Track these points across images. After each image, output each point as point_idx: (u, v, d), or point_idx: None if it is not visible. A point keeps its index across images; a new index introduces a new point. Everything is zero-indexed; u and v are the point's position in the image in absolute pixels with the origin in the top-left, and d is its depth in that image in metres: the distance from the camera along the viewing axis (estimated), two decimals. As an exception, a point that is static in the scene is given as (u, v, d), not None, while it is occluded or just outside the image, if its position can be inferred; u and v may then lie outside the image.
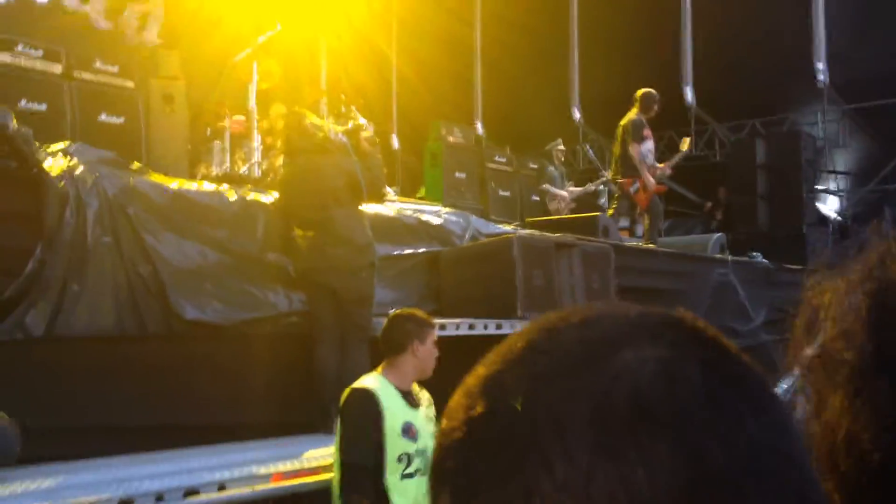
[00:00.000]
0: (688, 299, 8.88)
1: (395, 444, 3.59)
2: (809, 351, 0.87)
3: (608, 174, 10.43)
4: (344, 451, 3.66)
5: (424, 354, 3.77)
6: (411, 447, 3.62)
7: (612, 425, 0.54)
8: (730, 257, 9.70)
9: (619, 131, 9.68)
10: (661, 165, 9.82)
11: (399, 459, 3.60)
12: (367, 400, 3.63)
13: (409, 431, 3.64)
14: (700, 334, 0.62)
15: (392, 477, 3.59)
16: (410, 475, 3.62)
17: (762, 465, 0.55)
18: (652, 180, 9.50)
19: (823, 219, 13.13)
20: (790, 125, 13.73)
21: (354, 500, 3.59)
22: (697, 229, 13.31)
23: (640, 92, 9.68)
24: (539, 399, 0.56)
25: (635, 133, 9.37)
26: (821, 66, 12.68)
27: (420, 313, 3.98)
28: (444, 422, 0.61)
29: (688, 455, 0.53)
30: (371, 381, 3.73)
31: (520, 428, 0.56)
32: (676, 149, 13.61)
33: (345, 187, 5.52)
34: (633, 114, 9.59)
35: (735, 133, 13.96)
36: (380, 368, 3.81)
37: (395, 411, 3.64)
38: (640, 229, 10.07)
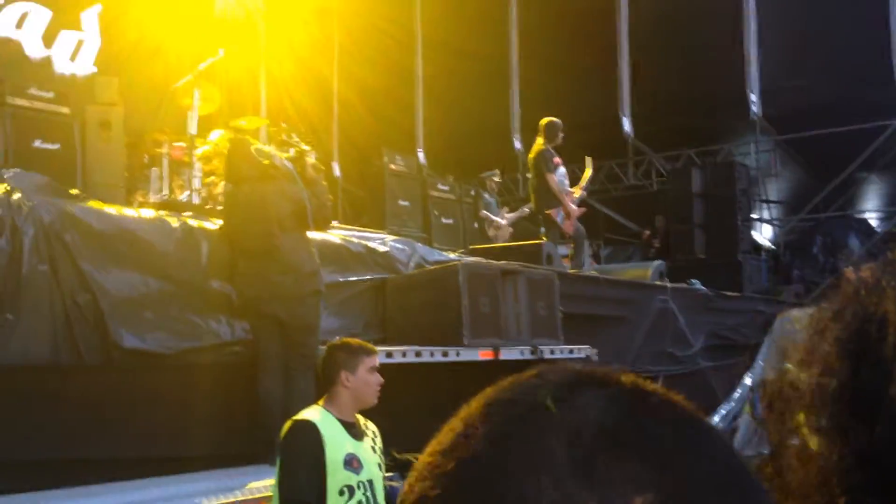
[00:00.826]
0: (629, 325, 8.99)
1: (336, 477, 3.52)
2: (778, 375, 0.90)
3: (530, 205, 10.48)
4: (283, 485, 3.57)
5: (356, 384, 3.68)
6: (353, 479, 3.56)
7: (596, 451, 0.59)
8: (669, 284, 9.85)
9: (531, 163, 9.77)
10: (574, 190, 9.90)
11: (341, 492, 3.53)
12: (308, 432, 3.55)
13: (351, 463, 3.57)
14: (637, 380, 0.67)
15: None
16: None
17: (724, 478, 0.61)
18: (573, 206, 9.60)
19: (758, 247, 13.44)
20: (725, 155, 14.06)
21: None
22: (636, 257, 13.52)
23: (544, 121, 9.76)
24: (516, 439, 0.61)
25: (546, 164, 9.47)
26: (754, 97, 13.03)
27: (354, 342, 3.90)
28: (414, 483, 0.64)
29: (670, 472, 0.59)
30: (312, 412, 3.66)
31: (503, 468, 0.60)
32: (616, 178, 13.83)
33: (291, 214, 5.45)
34: (539, 144, 9.68)
35: (672, 163, 14.24)
36: (321, 401, 3.74)
37: (336, 443, 3.57)
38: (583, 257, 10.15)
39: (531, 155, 9.72)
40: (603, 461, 0.59)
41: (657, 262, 10.65)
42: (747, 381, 9.68)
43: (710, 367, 9.82)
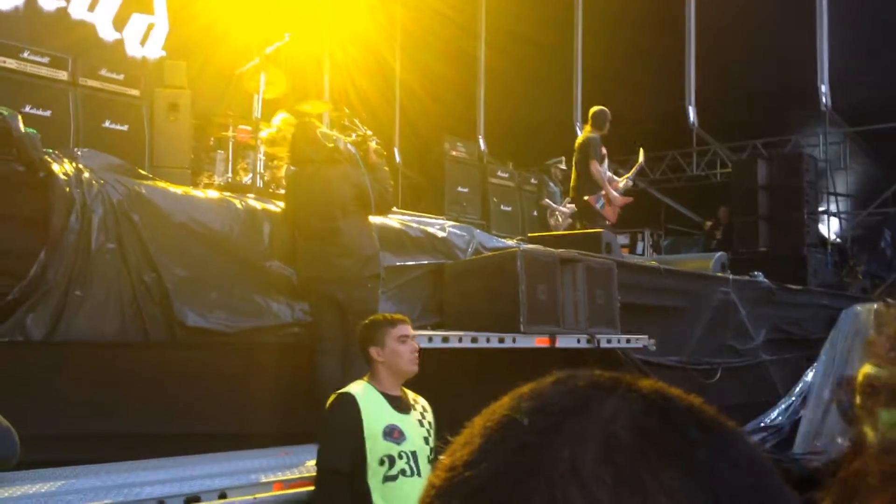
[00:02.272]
0: (689, 317, 8.88)
1: (375, 446, 3.60)
2: (860, 372, 0.88)
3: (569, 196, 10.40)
4: (320, 454, 3.71)
5: (387, 356, 3.76)
6: (395, 449, 3.62)
7: (624, 458, 0.58)
8: (731, 276, 9.69)
9: (576, 151, 9.68)
10: (620, 179, 9.81)
11: (381, 462, 3.60)
12: (346, 404, 3.65)
13: (392, 434, 3.64)
14: (660, 386, 0.66)
15: (373, 480, 3.59)
16: (393, 477, 3.61)
17: (754, 484, 0.60)
18: (616, 194, 9.53)
19: (824, 240, 13.15)
20: (792, 147, 13.77)
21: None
22: (698, 248, 13.32)
23: (593, 110, 9.68)
24: (545, 448, 0.59)
25: (594, 151, 9.38)
26: (824, 89, 12.72)
27: (381, 316, 3.99)
28: (432, 499, 0.63)
29: (699, 477, 0.58)
30: (355, 386, 3.76)
31: (533, 476, 0.59)
32: (679, 168, 13.65)
33: (353, 198, 5.51)
34: (588, 132, 9.60)
35: (737, 154, 13.99)
36: (366, 376, 3.82)
37: (376, 414, 3.65)
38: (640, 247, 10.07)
39: (579, 141, 9.65)
40: (634, 470, 0.58)
41: (719, 254, 10.48)
42: (810, 376, 9.49)
43: (771, 360, 9.65)
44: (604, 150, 9.53)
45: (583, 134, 9.66)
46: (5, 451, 3.83)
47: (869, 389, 0.87)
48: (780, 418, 9.10)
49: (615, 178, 9.80)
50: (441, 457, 0.65)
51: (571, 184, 9.82)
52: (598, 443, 0.59)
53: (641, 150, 10.00)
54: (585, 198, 9.50)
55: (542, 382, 0.66)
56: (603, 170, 9.50)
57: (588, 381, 0.65)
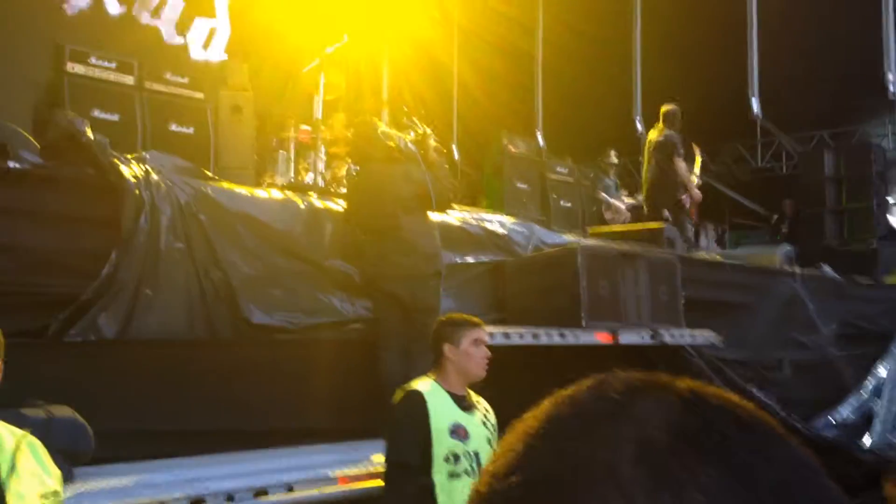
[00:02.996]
0: (755, 311, 8.73)
1: (441, 443, 3.62)
2: None
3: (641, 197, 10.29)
4: (388, 449, 3.74)
5: (458, 356, 3.77)
6: (460, 447, 3.64)
7: (660, 459, 0.58)
8: (798, 270, 9.50)
9: (653, 148, 9.57)
10: (692, 177, 9.73)
11: (446, 459, 3.62)
12: (414, 400, 3.69)
13: (457, 431, 3.66)
14: (697, 386, 0.65)
15: (439, 476, 3.62)
16: (457, 475, 3.63)
17: (798, 483, 0.59)
18: (698, 192, 9.48)
19: (894, 232, 12.79)
20: (860, 137, 13.43)
21: (391, 497, 3.66)
22: (763, 242, 13.07)
23: (665, 108, 9.58)
24: (581, 453, 0.60)
25: (677, 149, 9.30)
26: (891, 76, 12.37)
27: (458, 316, 4.00)
28: (493, 465, 0.64)
29: (738, 476, 0.57)
30: (422, 383, 3.79)
31: (571, 482, 0.59)
32: (743, 160, 13.41)
33: (413, 196, 5.55)
34: (661, 130, 9.49)
35: (802, 145, 13.70)
36: (432, 373, 3.84)
37: (443, 411, 3.68)
38: (703, 241, 9.95)
39: (653, 139, 9.55)
40: (671, 471, 0.58)
41: (786, 248, 10.28)
42: (881, 370, 9.26)
43: (840, 355, 9.44)
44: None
45: (655, 132, 9.56)
46: (81, 447, 3.95)
47: None
48: (850, 414, 8.90)
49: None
50: (485, 464, 0.66)
51: (647, 182, 9.72)
52: (634, 445, 0.59)
53: (695, 145, 9.90)
54: (682, 197, 9.40)
55: (579, 387, 0.67)
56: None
57: (623, 383, 0.65)
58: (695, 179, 9.65)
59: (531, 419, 0.66)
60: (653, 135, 9.63)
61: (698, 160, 9.82)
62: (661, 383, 0.65)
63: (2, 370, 2.22)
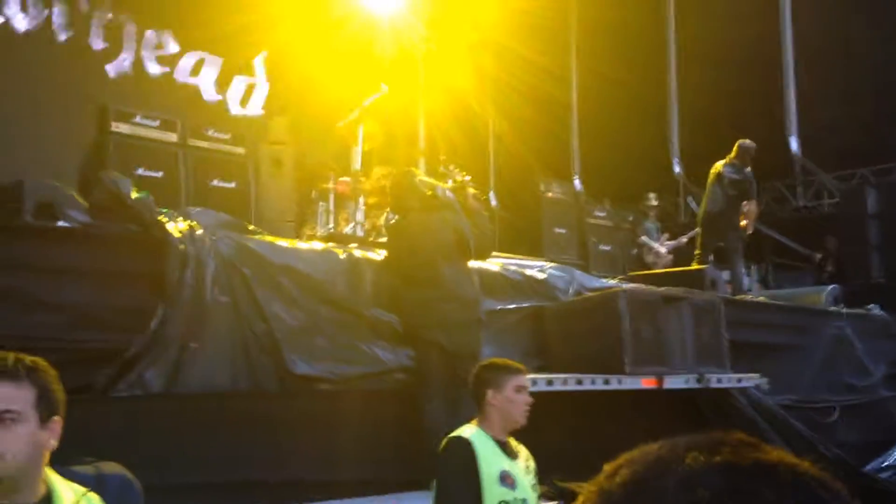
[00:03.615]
0: (802, 353, 8.58)
1: (492, 492, 3.57)
2: None
3: (697, 225, 10.29)
4: (439, 498, 3.66)
5: (503, 403, 3.72)
6: (510, 495, 3.59)
7: None
8: (845, 310, 9.35)
9: (721, 182, 9.56)
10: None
11: None
12: (462, 448, 3.63)
13: (506, 479, 3.61)
14: (744, 442, 0.70)
15: None
16: None
17: None
18: (751, 230, 9.53)
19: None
20: (901, 173, 13.24)
21: None
22: (808, 282, 12.88)
23: (743, 141, 9.61)
24: None
25: (754, 190, 9.39)
26: (932, 111, 12.26)
27: (501, 361, 3.96)
28: None
29: None
30: (466, 429, 3.74)
31: None
32: (784, 200, 13.32)
33: (453, 244, 5.57)
34: (735, 164, 9.51)
35: (843, 182, 13.55)
36: (474, 421, 3.81)
37: (490, 459, 3.63)
38: (747, 281, 9.88)
39: (721, 171, 9.58)
40: None
41: (831, 287, 10.13)
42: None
43: (892, 397, 9.22)
44: None
45: (725, 163, 9.58)
46: (129, 501, 3.97)
47: None
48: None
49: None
50: None
51: (708, 213, 9.71)
52: None
53: None
54: (744, 227, 9.44)
55: (630, 454, 0.71)
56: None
57: (671, 446, 0.69)
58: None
59: (594, 483, 0.72)
60: (721, 167, 9.64)
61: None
62: (707, 446, 0.68)
63: (61, 428, 2.26)
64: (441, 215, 5.67)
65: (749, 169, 9.53)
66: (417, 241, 5.61)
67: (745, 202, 9.51)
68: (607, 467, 0.71)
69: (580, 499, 0.71)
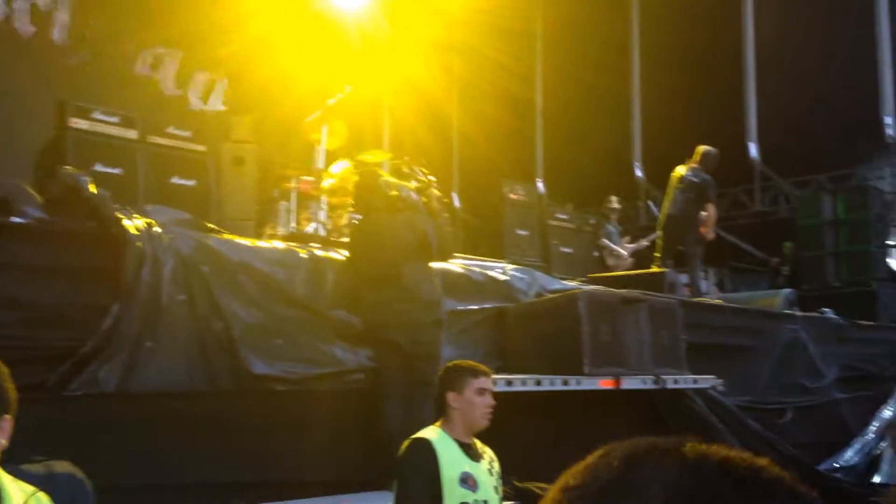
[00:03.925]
0: (757, 356, 8.71)
1: (453, 494, 3.58)
2: None
3: (657, 229, 10.37)
4: (398, 499, 3.67)
5: (463, 405, 3.73)
6: (470, 497, 3.61)
7: None
8: (800, 313, 9.50)
9: (680, 186, 9.65)
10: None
11: None
12: (423, 449, 3.64)
13: (467, 481, 3.62)
14: (700, 448, 0.70)
15: None
16: None
17: None
18: (712, 234, 9.59)
19: (894, 274, 12.80)
20: (858, 180, 13.50)
21: None
22: (763, 285, 13.08)
23: (704, 148, 9.69)
24: None
25: (713, 193, 9.46)
26: (888, 119, 12.49)
27: (465, 363, 3.96)
28: None
29: None
30: (429, 431, 3.75)
31: None
32: (742, 205, 13.49)
33: (415, 245, 5.58)
34: (696, 169, 9.59)
35: (801, 188, 13.77)
36: (438, 422, 3.82)
37: (452, 461, 3.64)
38: (704, 285, 9.98)
39: (683, 175, 9.64)
40: None
41: (787, 291, 10.29)
42: (886, 413, 9.21)
43: (844, 399, 9.39)
44: None
45: (686, 169, 9.68)
46: (80, 501, 3.92)
47: None
48: (854, 457, 8.83)
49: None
50: None
51: (668, 217, 9.77)
52: None
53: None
54: (705, 232, 9.52)
55: (589, 458, 0.72)
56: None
57: (625, 451, 0.70)
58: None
59: (550, 492, 0.71)
60: (682, 171, 9.70)
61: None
62: (665, 448, 0.68)
63: (12, 426, 2.23)
64: (405, 216, 5.67)
65: (709, 174, 9.63)
66: (380, 241, 5.61)
67: (704, 207, 9.60)
68: (569, 472, 0.72)
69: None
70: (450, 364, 3.96)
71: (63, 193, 5.01)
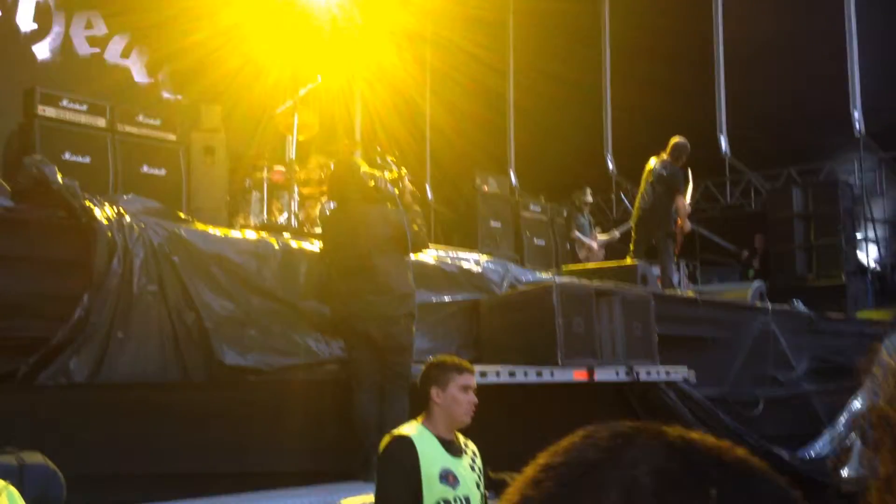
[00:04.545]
0: (728, 348, 8.78)
1: (432, 490, 3.56)
2: (869, 405, 0.90)
3: (631, 222, 10.40)
4: (378, 496, 3.65)
5: (447, 401, 3.72)
6: (450, 494, 3.59)
7: (645, 502, 0.63)
8: (770, 306, 9.59)
9: (651, 179, 9.68)
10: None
11: None
12: (403, 446, 3.62)
13: (447, 478, 3.61)
14: (683, 432, 0.70)
15: None
16: None
17: None
18: (689, 224, 9.62)
19: (863, 268, 12.97)
20: (827, 174, 13.65)
21: None
22: (734, 278, 13.20)
23: (674, 140, 9.71)
24: (572, 501, 0.65)
25: (681, 185, 9.46)
26: (857, 114, 12.62)
27: (450, 359, 3.94)
28: None
29: None
30: (409, 427, 3.73)
31: None
32: (713, 198, 13.59)
33: (390, 238, 5.56)
34: (665, 162, 9.62)
35: (771, 182, 13.90)
36: (420, 417, 3.79)
37: (432, 458, 3.62)
38: (676, 277, 10.02)
39: (655, 169, 9.65)
40: None
41: (757, 283, 10.38)
42: (856, 405, 9.32)
43: (814, 391, 9.50)
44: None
45: (658, 161, 9.68)
46: (52, 494, 3.87)
47: (882, 422, 0.88)
48: (825, 448, 8.94)
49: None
50: None
51: (641, 210, 9.79)
52: (621, 490, 0.63)
53: (689, 170, 10.06)
54: (675, 228, 9.50)
55: (572, 437, 0.71)
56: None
57: (611, 432, 0.69)
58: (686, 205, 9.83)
59: (529, 470, 0.70)
60: (654, 163, 9.72)
61: (690, 187, 9.98)
62: (650, 431, 0.68)
63: None
64: (381, 208, 5.66)
65: (678, 166, 9.66)
66: (354, 230, 5.58)
67: (674, 199, 9.64)
68: (549, 451, 0.71)
69: (512, 491, 0.70)
70: (433, 360, 3.94)
71: (31, 183, 4.91)
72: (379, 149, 8.35)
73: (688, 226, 9.59)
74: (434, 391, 3.71)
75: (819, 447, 8.96)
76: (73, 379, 4.54)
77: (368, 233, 5.54)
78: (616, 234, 11.54)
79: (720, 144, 13.55)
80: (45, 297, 4.65)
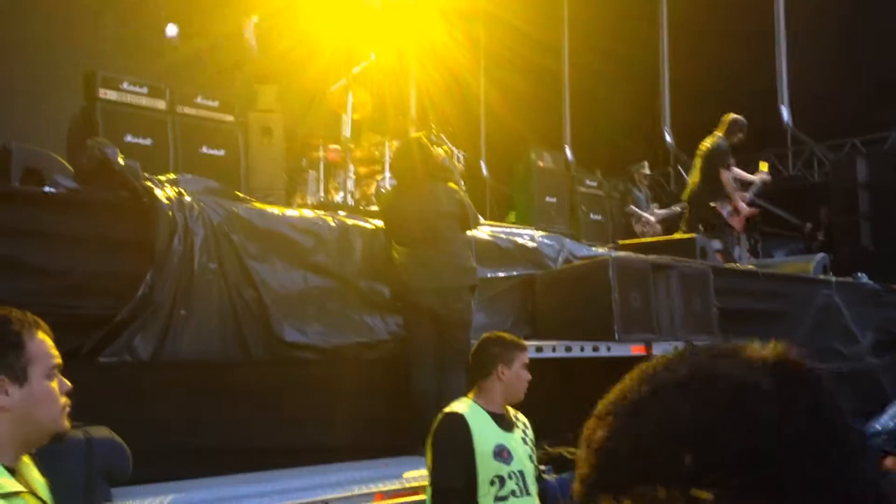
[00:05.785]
0: (790, 321, 8.63)
1: (486, 467, 3.58)
2: None
3: (683, 197, 10.24)
4: (433, 474, 3.68)
5: (511, 378, 3.75)
6: (504, 469, 3.61)
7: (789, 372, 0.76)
8: (833, 278, 9.38)
9: (702, 155, 9.52)
10: (744, 194, 9.64)
11: (492, 482, 3.58)
12: (456, 424, 3.64)
13: (501, 454, 3.62)
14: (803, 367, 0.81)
15: (485, 499, 3.58)
16: (504, 498, 3.59)
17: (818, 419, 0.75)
18: (744, 205, 9.38)
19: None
20: (892, 143, 13.28)
21: None
22: (798, 251, 12.95)
23: (728, 117, 9.53)
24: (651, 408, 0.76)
25: (724, 159, 9.24)
26: (922, 81, 12.25)
27: (509, 336, 3.96)
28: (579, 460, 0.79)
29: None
30: (461, 405, 3.74)
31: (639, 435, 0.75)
32: (775, 170, 13.31)
33: (453, 213, 5.59)
34: (716, 138, 9.44)
35: (834, 152, 13.57)
36: (471, 393, 3.81)
37: (485, 434, 3.64)
38: (737, 251, 9.85)
39: (705, 146, 9.49)
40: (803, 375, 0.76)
41: (820, 256, 10.16)
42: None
43: (880, 364, 9.29)
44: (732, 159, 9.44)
45: (709, 139, 9.52)
46: (119, 466, 3.99)
47: None
48: (892, 422, 8.74)
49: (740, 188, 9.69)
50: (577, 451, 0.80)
51: (690, 188, 9.67)
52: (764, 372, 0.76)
53: (763, 163, 9.89)
54: (712, 204, 9.34)
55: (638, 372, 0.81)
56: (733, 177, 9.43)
57: (688, 354, 0.79)
58: (750, 194, 9.61)
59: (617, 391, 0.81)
60: (707, 142, 9.57)
61: (764, 167, 9.81)
62: (727, 350, 0.79)
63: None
64: (444, 185, 5.70)
65: (733, 142, 9.43)
66: (419, 207, 5.61)
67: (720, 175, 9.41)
68: (616, 389, 0.81)
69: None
70: (493, 336, 3.95)
71: (94, 165, 5.02)
72: (433, 126, 8.36)
73: (741, 205, 9.34)
74: (501, 368, 3.74)
75: (886, 419, 8.77)
76: (138, 356, 4.63)
77: (435, 209, 5.58)
78: (676, 208, 11.37)
79: (782, 115, 13.26)
80: (109, 276, 4.75)
